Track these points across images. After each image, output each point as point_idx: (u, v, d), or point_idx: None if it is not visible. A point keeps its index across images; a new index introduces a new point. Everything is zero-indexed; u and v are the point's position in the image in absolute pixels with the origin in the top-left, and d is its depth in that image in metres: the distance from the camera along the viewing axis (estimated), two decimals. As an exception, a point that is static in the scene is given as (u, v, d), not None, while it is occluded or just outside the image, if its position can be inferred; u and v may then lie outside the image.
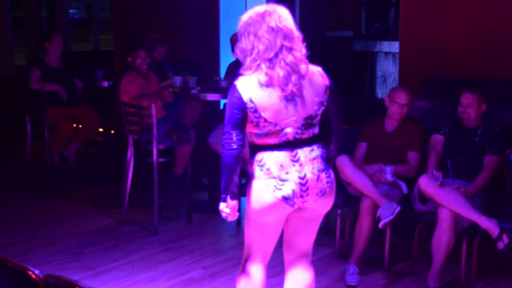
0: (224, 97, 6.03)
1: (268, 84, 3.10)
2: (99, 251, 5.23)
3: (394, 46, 9.79)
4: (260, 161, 3.20)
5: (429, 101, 5.91)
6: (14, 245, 5.33)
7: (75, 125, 7.00)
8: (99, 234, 5.62)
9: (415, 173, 4.92)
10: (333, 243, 5.17)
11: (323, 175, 3.22)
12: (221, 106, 7.13)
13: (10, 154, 8.38)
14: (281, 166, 3.16)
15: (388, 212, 4.52)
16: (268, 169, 3.18)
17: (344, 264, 4.84)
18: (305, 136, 3.20)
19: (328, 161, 3.31)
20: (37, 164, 7.17)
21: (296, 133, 3.18)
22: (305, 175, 3.17)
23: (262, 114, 3.11)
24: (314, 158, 3.21)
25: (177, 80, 6.30)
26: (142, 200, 6.24)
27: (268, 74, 3.10)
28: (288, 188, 3.16)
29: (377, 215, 4.58)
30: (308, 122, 3.19)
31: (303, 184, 3.17)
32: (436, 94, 5.98)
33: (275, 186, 3.17)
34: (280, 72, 3.08)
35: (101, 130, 7.39)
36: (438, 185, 4.48)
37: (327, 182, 3.24)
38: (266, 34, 3.10)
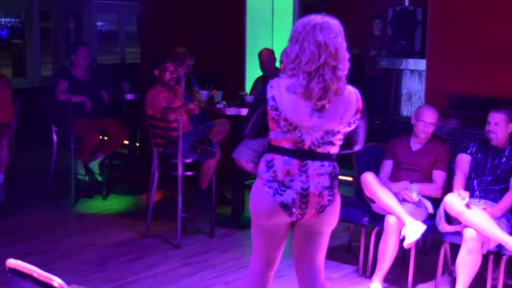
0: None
1: (300, 91, 3.09)
2: (122, 263, 5.24)
3: (420, 64, 9.77)
4: (269, 162, 3.19)
5: (455, 120, 5.88)
6: (38, 254, 5.36)
7: (100, 137, 7.03)
8: (122, 246, 5.64)
9: (441, 192, 4.89)
10: (356, 260, 5.14)
11: (326, 192, 3.18)
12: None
13: (36, 164, 8.45)
14: (288, 172, 3.15)
15: (413, 231, 4.48)
16: (274, 171, 3.16)
17: (367, 282, 4.81)
18: (320, 150, 3.16)
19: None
20: (62, 174, 7.22)
21: (313, 143, 3.14)
22: (308, 187, 3.15)
23: (283, 112, 3.10)
24: (322, 174, 3.17)
25: (203, 94, 6.33)
26: (165, 213, 6.27)
27: (303, 86, 3.07)
28: (288, 196, 3.15)
29: (402, 234, 4.54)
30: (327, 137, 3.15)
31: (304, 195, 3.15)
32: (463, 113, 5.94)
33: (276, 190, 3.16)
34: (315, 87, 3.06)
35: (126, 142, 7.43)
36: (464, 205, 4.44)
37: (329, 200, 3.20)
38: (312, 47, 3.06)
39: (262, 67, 6.91)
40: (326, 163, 3.18)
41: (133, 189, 7.25)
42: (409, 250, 4.77)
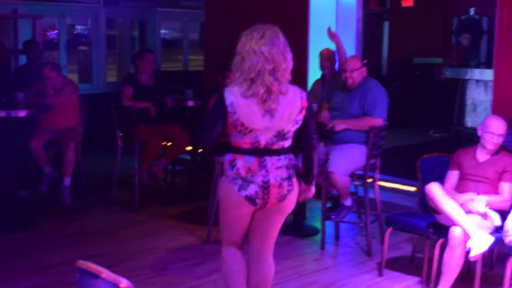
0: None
1: (249, 95, 3.51)
2: (183, 268, 5.28)
3: (486, 74, 9.59)
4: (232, 161, 3.62)
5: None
6: (102, 257, 5.44)
7: (164, 142, 7.11)
8: (184, 251, 5.68)
9: (508, 205, 4.77)
10: (419, 272, 5.06)
11: (285, 183, 3.62)
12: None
13: (100, 168, 8.60)
14: (249, 169, 3.58)
15: (479, 243, 4.38)
16: (237, 170, 3.59)
17: (430, 294, 4.72)
18: (275, 147, 3.59)
19: (306, 179, 3.83)
20: (126, 179, 7.32)
21: (267, 142, 3.57)
22: (268, 180, 3.58)
23: (240, 118, 3.52)
24: (279, 167, 3.60)
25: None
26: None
27: (250, 89, 3.50)
28: (252, 189, 3.59)
29: (468, 246, 4.45)
30: (280, 135, 3.57)
31: (265, 187, 3.59)
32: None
33: (240, 185, 3.60)
34: (260, 89, 3.48)
35: (189, 148, 7.50)
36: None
37: (288, 190, 3.64)
38: (250, 56, 3.50)
39: (322, 66, 6.88)
40: (282, 157, 3.61)
41: (195, 195, 7.31)
42: (474, 263, 4.67)
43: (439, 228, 4.83)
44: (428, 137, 10.60)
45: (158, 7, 12.37)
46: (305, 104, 3.61)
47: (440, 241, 4.84)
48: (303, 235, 6.14)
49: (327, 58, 6.82)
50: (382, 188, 6.94)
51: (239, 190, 3.61)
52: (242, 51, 3.56)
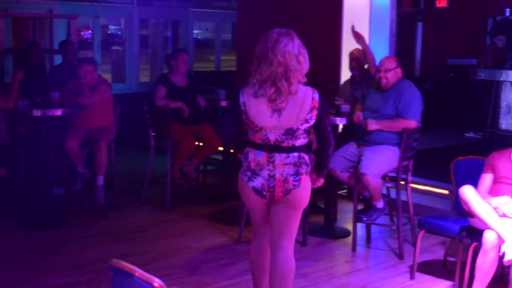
0: (345, 121, 6.01)
1: (259, 95, 3.75)
2: (215, 268, 5.30)
3: (521, 76, 9.48)
4: (246, 154, 3.89)
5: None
6: (134, 256, 5.49)
7: (196, 142, 7.14)
8: (215, 251, 5.70)
9: (544, 209, 4.69)
10: (452, 276, 5.01)
11: (290, 178, 3.82)
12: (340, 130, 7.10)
13: (133, 168, 8.67)
14: (258, 162, 3.83)
15: (513, 248, 4.33)
16: (249, 162, 3.87)
17: (463, 298, 4.68)
18: (284, 144, 3.80)
19: (318, 170, 4.03)
20: (158, 178, 7.37)
21: (277, 140, 3.80)
22: (274, 175, 3.81)
23: (250, 117, 3.79)
24: (287, 164, 3.81)
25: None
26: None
27: (260, 89, 3.73)
28: (258, 182, 3.85)
29: (502, 250, 4.40)
30: (289, 133, 3.78)
31: (271, 181, 3.82)
32: None
33: (249, 177, 3.88)
34: (269, 90, 3.71)
35: (221, 148, 7.52)
36: None
37: (294, 185, 3.83)
38: (264, 58, 3.71)
39: (351, 67, 6.83)
40: (291, 155, 3.81)
41: (226, 195, 7.33)
42: (508, 267, 4.61)
43: (473, 231, 4.78)
44: (462, 139, 10.49)
45: (191, 7, 12.43)
46: (317, 104, 3.78)
47: (474, 245, 4.79)
48: (334, 237, 6.12)
49: (355, 58, 6.78)
50: (415, 190, 6.90)
51: (247, 181, 3.89)
52: (257, 53, 3.76)
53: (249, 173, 3.89)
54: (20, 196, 6.64)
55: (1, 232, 6.02)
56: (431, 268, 5.33)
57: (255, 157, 3.84)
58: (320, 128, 3.89)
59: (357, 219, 5.75)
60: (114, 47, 14.67)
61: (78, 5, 10.82)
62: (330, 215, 6.30)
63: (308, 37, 7.88)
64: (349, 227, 6.20)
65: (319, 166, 4.05)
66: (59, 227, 6.25)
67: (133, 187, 7.64)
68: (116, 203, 6.94)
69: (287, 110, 3.75)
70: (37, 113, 6.05)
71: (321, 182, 4.13)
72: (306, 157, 3.87)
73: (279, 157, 3.80)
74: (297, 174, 3.83)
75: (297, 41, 3.77)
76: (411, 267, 5.22)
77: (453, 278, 4.96)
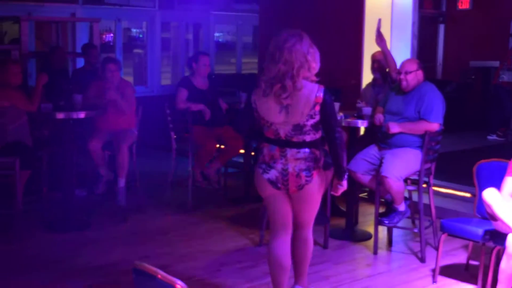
0: (366, 124, 5.99)
1: (267, 94, 3.97)
2: (236, 271, 5.30)
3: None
4: (261, 148, 4.14)
5: None
6: (156, 257, 5.51)
7: (217, 145, 7.16)
8: (236, 254, 5.70)
9: None
10: (474, 280, 4.97)
11: (302, 173, 4.03)
12: (361, 132, 7.08)
13: (155, 170, 8.70)
14: (272, 156, 4.06)
15: (537, 251, 4.28)
16: (263, 155, 4.10)
17: (486, 302, 4.64)
18: (295, 139, 4.01)
19: (336, 173, 4.18)
20: (180, 181, 7.39)
21: (287, 135, 4.01)
22: (287, 168, 4.03)
23: (261, 114, 4.03)
24: (298, 159, 4.02)
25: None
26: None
27: (268, 87, 3.96)
28: (272, 174, 4.07)
29: (525, 254, 4.35)
30: (297, 129, 3.99)
31: (284, 174, 4.04)
32: None
33: (264, 169, 4.10)
34: (275, 86, 3.92)
35: (242, 151, 7.53)
36: None
37: (306, 181, 4.04)
38: (273, 57, 3.94)
39: (372, 69, 6.81)
40: (301, 150, 4.01)
41: (247, 198, 7.34)
42: (532, 271, 4.56)
43: (496, 235, 4.74)
44: (484, 142, 10.42)
45: (212, 10, 12.47)
46: (320, 100, 3.96)
47: (497, 248, 4.75)
48: (355, 240, 6.10)
49: (376, 60, 6.76)
50: (437, 193, 6.86)
51: (262, 173, 4.11)
52: (267, 53, 4.01)
53: (264, 166, 4.10)
54: (43, 198, 6.68)
55: (25, 234, 6.07)
56: (453, 272, 5.30)
57: (269, 151, 4.07)
58: (324, 125, 4.05)
59: (378, 222, 5.73)
60: (135, 50, 14.74)
61: (101, 9, 10.91)
62: (351, 218, 6.28)
63: (330, 40, 7.92)
64: (371, 230, 6.18)
65: (335, 167, 4.18)
66: (81, 229, 6.30)
67: (155, 190, 7.67)
68: (137, 205, 6.97)
69: (292, 106, 3.95)
70: (60, 115, 6.10)
71: (344, 186, 4.23)
72: (317, 152, 4.06)
73: (290, 152, 4.02)
74: (309, 169, 4.03)
75: (306, 41, 3.96)
76: (433, 270, 5.19)
77: (476, 282, 4.92)
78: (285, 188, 4.09)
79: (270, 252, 4.28)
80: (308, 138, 4.02)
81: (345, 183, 4.21)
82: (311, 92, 3.96)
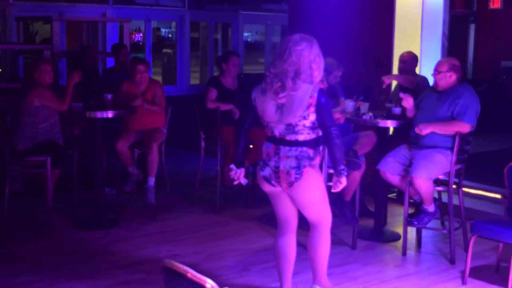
0: (396, 124, 5.95)
1: (266, 91, 4.11)
2: (264, 270, 5.30)
3: None
4: (262, 146, 4.27)
5: None
6: (185, 256, 5.55)
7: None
8: (264, 253, 5.71)
9: None
10: (505, 282, 4.92)
11: (292, 171, 4.13)
12: (391, 132, 7.04)
13: (184, 169, 8.75)
14: (268, 153, 4.21)
15: None
16: (263, 153, 4.26)
17: (517, 305, 4.59)
18: (288, 138, 4.13)
19: (334, 170, 4.23)
20: (209, 180, 7.42)
21: (280, 133, 4.15)
22: (279, 166, 4.15)
23: (260, 112, 4.19)
24: (289, 157, 4.13)
25: (350, 105, 6.28)
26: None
27: (268, 85, 4.10)
28: (267, 171, 4.22)
29: (557, 256, 4.31)
30: (290, 128, 4.10)
31: (276, 172, 4.17)
32: None
33: (260, 166, 4.27)
34: (275, 84, 4.06)
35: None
36: None
37: (295, 178, 4.13)
38: (281, 57, 4.08)
39: (400, 69, 6.77)
40: (293, 148, 4.12)
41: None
42: None
43: (527, 237, 4.69)
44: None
45: (241, 10, 12.49)
46: (314, 101, 4.06)
47: (528, 250, 4.71)
48: (384, 241, 6.07)
49: (403, 61, 6.73)
50: (467, 194, 6.80)
51: (259, 170, 4.28)
52: (277, 50, 4.16)
53: (261, 163, 4.28)
54: (73, 197, 6.75)
55: (55, 232, 6.14)
56: (483, 274, 5.25)
57: (266, 148, 4.24)
58: (320, 125, 4.13)
59: (408, 222, 5.70)
60: (164, 50, 14.79)
61: (131, 9, 10.99)
62: (380, 218, 6.25)
63: (360, 40, 7.89)
64: (399, 231, 6.15)
65: (332, 165, 4.24)
66: (111, 227, 6.35)
67: (184, 189, 7.71)
68: (166, 204, 7.01)
69: (286, 106, 4.08)
70: (90, 115, 6.16)
71: (343, 183, 4.28)
72: (310, 151, 4.15)
73: (283, 150, 4.15)
74: (299, 167, 4.13)
75: (315, 49, 4.09)
76: (463, 272, 5.15)
77: (506, 284, 4.87)
78: (278, 185, 4.21)
79: (274, 246, 4.50)
80: (301, 137, 4.13)
81: (344, 180, 4.26)
82: (306, 93, 4.06)
